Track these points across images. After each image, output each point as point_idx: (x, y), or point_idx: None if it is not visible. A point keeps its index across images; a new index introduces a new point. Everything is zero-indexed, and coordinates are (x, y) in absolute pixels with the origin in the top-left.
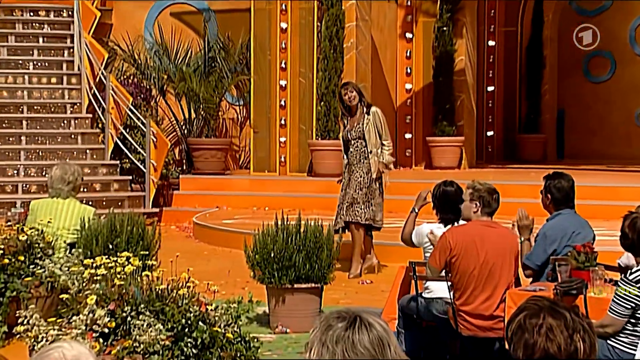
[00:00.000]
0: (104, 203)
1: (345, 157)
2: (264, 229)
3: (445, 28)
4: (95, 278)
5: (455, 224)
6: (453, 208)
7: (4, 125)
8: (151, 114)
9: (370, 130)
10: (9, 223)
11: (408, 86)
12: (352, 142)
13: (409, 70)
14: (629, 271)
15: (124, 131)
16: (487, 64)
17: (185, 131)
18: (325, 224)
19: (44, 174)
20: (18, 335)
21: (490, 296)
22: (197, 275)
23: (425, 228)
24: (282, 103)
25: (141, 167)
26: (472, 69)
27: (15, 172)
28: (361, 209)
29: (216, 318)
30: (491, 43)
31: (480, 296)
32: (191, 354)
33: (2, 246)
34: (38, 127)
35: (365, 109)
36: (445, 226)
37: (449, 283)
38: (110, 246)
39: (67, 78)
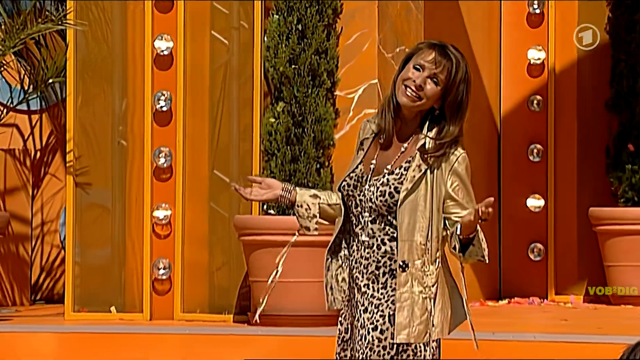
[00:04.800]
0: None
1: (338, 243)
2: None
3: None
4: None
5: None
6: None
7: None
8: None
9: (428, 192)
10: None
11: (536, 56)
12: (365, 202)
13: (535, 9)
14: None
15: None
16: None
17: None
18: None
19: None
20: None
21: None
22: None
23: None
24: (161, 103)
25: None
26: None
27: None
28: None
29: None
30: None
31: None
32: None
33: None
34: None
35: (442, 141)
36: None
37: None
38: None
39: None
